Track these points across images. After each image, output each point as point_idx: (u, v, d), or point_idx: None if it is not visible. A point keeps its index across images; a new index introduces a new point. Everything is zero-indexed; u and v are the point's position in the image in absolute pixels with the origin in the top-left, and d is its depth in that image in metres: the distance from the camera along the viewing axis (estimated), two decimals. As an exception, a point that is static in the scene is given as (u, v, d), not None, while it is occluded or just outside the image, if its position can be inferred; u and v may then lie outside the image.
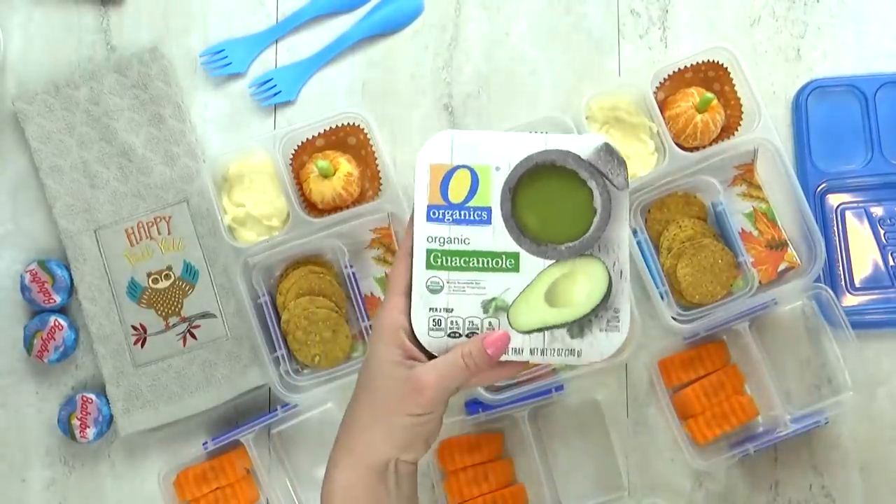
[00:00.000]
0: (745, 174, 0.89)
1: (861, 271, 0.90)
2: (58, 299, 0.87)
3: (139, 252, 0.88)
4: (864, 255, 0.90)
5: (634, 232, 0.86)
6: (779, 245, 0.89)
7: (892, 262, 0.90)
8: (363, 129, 0.88)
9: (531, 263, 0.63)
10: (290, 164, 0.87)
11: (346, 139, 0.89)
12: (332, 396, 0.86)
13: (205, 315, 0.88)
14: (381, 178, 0.88)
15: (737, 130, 0.88)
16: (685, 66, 0.89)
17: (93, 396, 0.86)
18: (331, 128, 0.87)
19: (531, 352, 0.63)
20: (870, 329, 0.88)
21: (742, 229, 0.89)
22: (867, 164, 0.91)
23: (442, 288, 0.63)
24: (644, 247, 0.86)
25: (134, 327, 0.87)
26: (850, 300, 0.89)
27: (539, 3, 0.94)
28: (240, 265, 0.85)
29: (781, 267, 0.88)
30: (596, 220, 0.64)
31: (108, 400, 0.87)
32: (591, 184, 0.64)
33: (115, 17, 0.93)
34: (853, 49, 0.93)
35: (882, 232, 0.90)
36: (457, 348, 0.62)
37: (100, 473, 0.88)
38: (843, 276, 0.90)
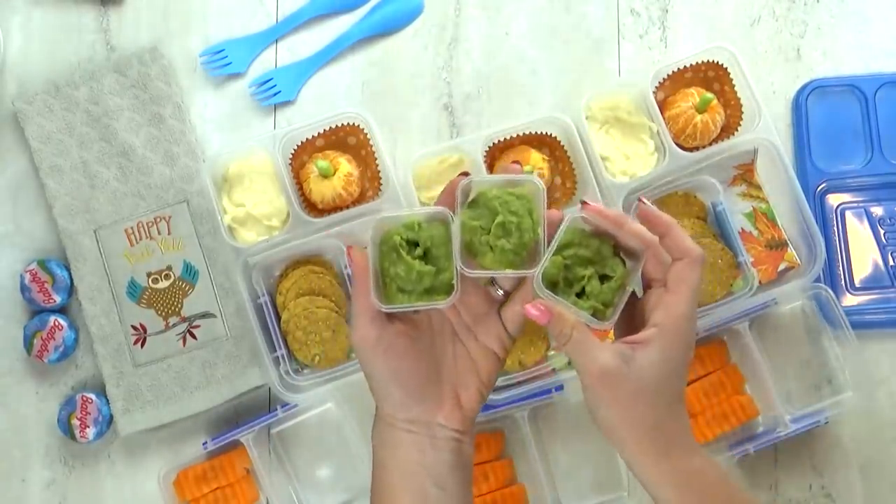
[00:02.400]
0: (744, 174, 0.89)
1: (861, 271, 0.90)
2: (58, 299, 0.87)
3: (139, 252, 0.88)
4: (864, 255, 0.90)
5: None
6: (779, 245, 0.89)
7: (892, 262, 0.90)
8: (363, 129, 0.88)
9: None
10: (290, 164, 0.87)
11: (346, 139, 0.89)
12: (332, 396, 0.86)
13: (205, 315, 0.88)
14: (381, 178, 0.88)
15: (737, 130, 0.88)
16: (685, 66, 0.89)
17: (93, 396, 0.86)
18: (331, 128, 0.87)
19: None
20: (870, 329, 0.88)
21: (742, 229, 0.89)
22: (867, 164, 0.91)
23: None
24: (644, 247, 0.86)
25: (134, 327, 0.87)
26: (850, 300, 0.89)
27: (539, 2, 0.94)
28: (240, 265, 0.85)
29: (781, 267, 0.88)
30: None
31: (108, 400, 0.87)
32: None
33: (115, 17, 0.93)
34: (853, 49, 0.93)
35: (882, 232, 0.90)
36: None
37: (100, 473, 0.88)
38: (843, 276, 0.90)
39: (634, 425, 0.59)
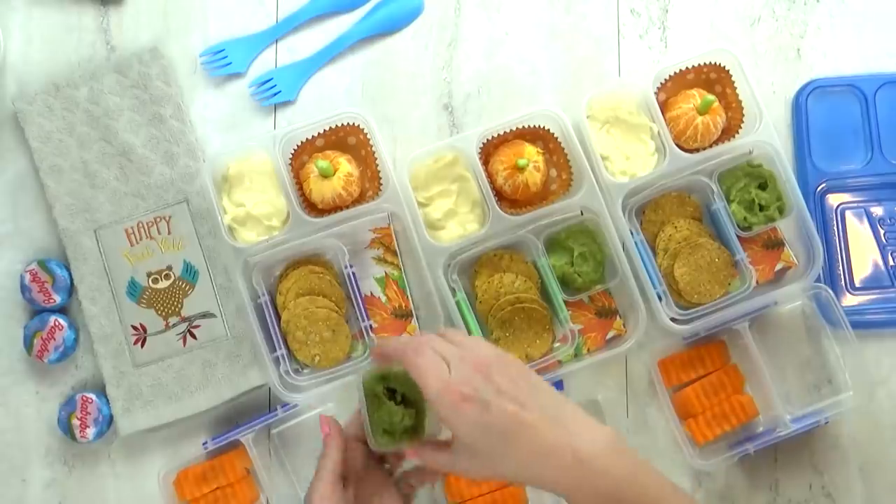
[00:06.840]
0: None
1: (861, 271, 0.90)
2: (58, 299, 0.87)
3: (139, 252, 0.88)
4: (864, 255, 0.90)
5: (630, 233, 0.86)
6: (775, 244, 0.89)
7: (892, 262, 0.90)
8: (363, 129, 0.88)
9: None
10: (290, 164, 0.87)
11: (346, 139, 0.89)
12: (332, 396, 0.86)
13: (205, 315, 0.88)
14: (381, 178, 0.88)
15: (738, 133, 0.88)
16: (687, 68, 0.89)
17: (93, 396, 0.86)
18: (331, 128, 0.87)
19: None
20: (870, 329, 0.88)
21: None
22: (867, 164, 0.91)
23: None
24: (640, 248, 0.86)
25: (134, 327, 0.87)
26: (850, 300, 0.89)
27: (539, 3, 0.94)
28: (240, 265, 0.85)
29: (778, 266, 0.88)
30: None
31: (108, 400, 0.87)
32: None
33: (115, 17, 0.93)
34: (853, 49, 0.93)
35: (882, 232, 0.91)
36: None
37: (100, 473, 0.88)
38: (843, 276, 0.90)
39: None
